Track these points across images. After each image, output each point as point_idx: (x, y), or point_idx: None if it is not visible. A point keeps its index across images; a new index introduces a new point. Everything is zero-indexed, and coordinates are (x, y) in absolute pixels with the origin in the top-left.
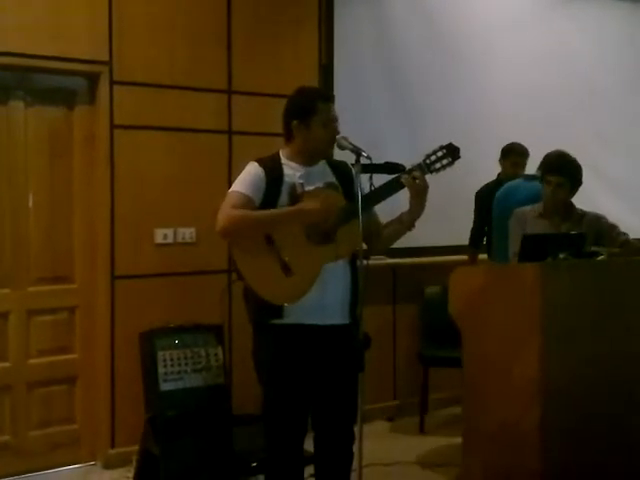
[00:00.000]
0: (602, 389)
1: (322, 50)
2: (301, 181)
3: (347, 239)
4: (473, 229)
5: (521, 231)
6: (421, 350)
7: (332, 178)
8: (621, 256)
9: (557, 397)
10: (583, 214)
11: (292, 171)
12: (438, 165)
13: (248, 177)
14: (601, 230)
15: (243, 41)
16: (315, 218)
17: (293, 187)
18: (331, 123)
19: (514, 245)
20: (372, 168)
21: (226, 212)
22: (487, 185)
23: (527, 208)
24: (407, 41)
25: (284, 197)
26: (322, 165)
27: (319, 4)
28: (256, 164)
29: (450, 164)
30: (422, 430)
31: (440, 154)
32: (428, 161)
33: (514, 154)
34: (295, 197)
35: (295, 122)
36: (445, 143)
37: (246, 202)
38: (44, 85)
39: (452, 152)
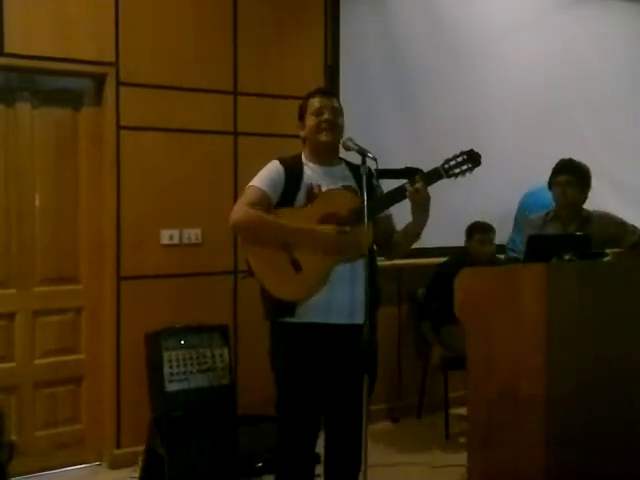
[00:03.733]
0: (607, 391)
1: (328, 51)
2: (319, 182)
3: (356, 241)
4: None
5: None
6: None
7: (351, 181)
8: (629, 256)
9: (562, 398)
10: (590, 214)
11: (312, 171)
12: (457, 170)
13: (267, 174)
14: (610, 228)
15: (249, 43)
16: (326, 243)
17: (310, 187)
18: (320, 113)
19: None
20: (392, 174)
21: (242, 207)
22: (449, 261)
23: (540, 214)
24: (413, 42)
25: (301, 196)
26: (342, 167)
27: (325, 5)
28: (277, 162)
29: (470, 170)
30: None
31: (460, 159)
32: (447, 166)
33: (477, 231)
34: (312, 198)
35: (298, 123)
36: (466, 149)
37: (263, 198)
38: (50, 86)
39: (473, 158)
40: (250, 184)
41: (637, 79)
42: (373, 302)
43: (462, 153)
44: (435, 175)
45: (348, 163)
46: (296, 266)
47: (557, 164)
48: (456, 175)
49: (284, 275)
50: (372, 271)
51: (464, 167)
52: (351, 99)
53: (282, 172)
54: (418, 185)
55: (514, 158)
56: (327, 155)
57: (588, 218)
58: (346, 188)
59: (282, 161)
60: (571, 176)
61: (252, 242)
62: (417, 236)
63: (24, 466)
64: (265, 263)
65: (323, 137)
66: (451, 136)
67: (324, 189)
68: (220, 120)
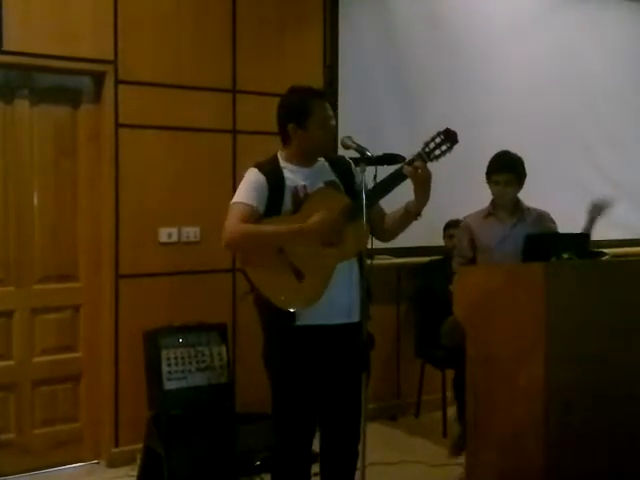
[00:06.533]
0: (606, 389)
1: (327, 50)
2: (303, 183)
3: (352, 239)
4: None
5: (467, 241)
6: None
7: (332, 175)
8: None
9: (562, 397)
10: (527, 210)
11: (292, 174)
12: (437, 152)
13: (250, 186)
14: (543, 228)
15: (248, 41)
16: (318, 234)
17: (295, 191)
18: (328, 122)
19: (463, 253)
20: (371, 160)
21: (232, 226)
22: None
23: (473, 214)
24: (412, 42)
25: (287, 202)
26: (321, 163)
27: (324, 4)
28: (256, 170)
29: (449, 149)
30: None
31: (438, 140)
32: (427, 149)
33: (448, 227)
34: (298, 201)
35: (291, 125)
36: (442, 129)
37: (251, 213)
38: (49, 84)
39: (450, 137)
40: (235, 201)
41: (637, 79)
42: (368, 299)
43: (439, 134)
44: (418, 160)
45: (325, 156)
46: (298, 274)
47: (495, 160)
48: (437, 157)
49: (288, 286)
50: (362, 268)
51: (443, 147)
52: (350, 99)
53: (264, 181)
54: (417, 164)
55: None
56: (315, 158)
57: (523, 215)
58: (329, 184)
59: (261, 168)
60: (511, 175)
61: (249, 257)
62: (418, 215)
63: (22, 464)
64: (267, 278)
65: (330, 149)
66: None
67: (309, 189)
68: (219, 118)
